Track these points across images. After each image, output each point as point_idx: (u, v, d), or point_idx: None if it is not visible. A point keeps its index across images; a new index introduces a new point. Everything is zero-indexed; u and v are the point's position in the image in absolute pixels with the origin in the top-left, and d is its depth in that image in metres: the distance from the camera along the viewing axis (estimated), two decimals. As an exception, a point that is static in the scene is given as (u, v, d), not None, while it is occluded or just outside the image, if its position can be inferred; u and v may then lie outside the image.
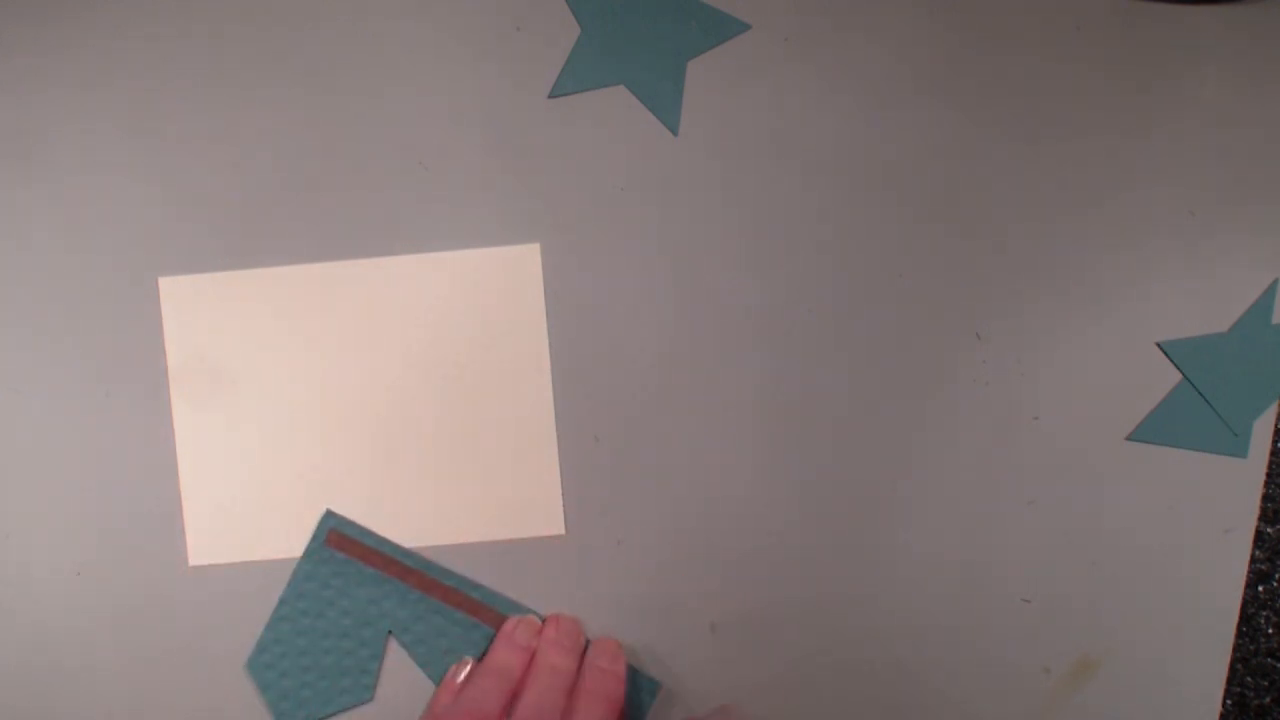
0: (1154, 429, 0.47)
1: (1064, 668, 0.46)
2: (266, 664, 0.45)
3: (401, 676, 0.45)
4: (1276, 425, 0.47)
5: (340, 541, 0.45)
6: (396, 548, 0.46)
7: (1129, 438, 0.47)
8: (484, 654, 0.45)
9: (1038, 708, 0.46)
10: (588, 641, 0.45)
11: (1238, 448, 0.47)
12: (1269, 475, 0.47)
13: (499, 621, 0.45)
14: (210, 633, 0.45)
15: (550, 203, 0.47)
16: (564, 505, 0.46)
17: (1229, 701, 0.47)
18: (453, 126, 0.47)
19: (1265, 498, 0.47)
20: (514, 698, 0.42)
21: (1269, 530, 0.47)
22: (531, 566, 0.46)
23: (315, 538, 0.46)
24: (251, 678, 0.45)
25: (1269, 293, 0.47)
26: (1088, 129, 0.48)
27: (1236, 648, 0.47)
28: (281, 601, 0.45)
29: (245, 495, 0.46)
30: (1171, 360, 0.47)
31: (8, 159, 0.46)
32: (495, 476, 0.46)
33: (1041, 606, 0.46)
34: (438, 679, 0.45)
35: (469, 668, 0.44)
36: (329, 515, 0.46)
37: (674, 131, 0.47)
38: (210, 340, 0.46)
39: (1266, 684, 0.47)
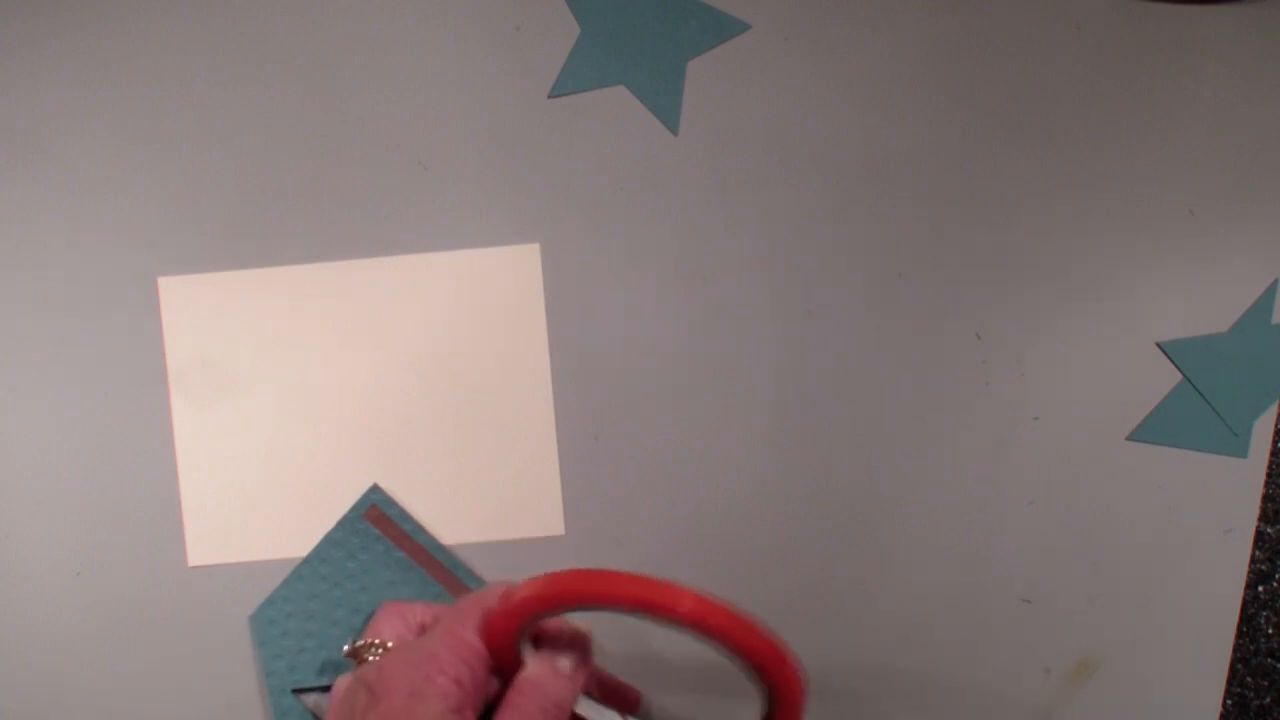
0: (1154, 429, 0.47)
1: (1064, 668, 0.46)
2: (270, 619, 0.44)
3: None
4: (1276, 425, 0.47)
5: (378, 518, 0.45)
6: (433, 541, 0.45)
7: (1129, 438, 0.47)
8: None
9: (1038, 708, 0.46)
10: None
11: (1238, 448, 0.47)
12: (1269, 475, 0.47)
13: None
14: (209, 632, 0.45)
15: (550, 203, 0.47)
16: (564, 505, 0.46)
17: (1229, 701, 0.47)
18: (453, 126, 0.47)
19: (1265, 498, 0.47)
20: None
21: (1269, 530, 0.47)
22: (531, 566, 0.46)
23: (356, 508, 0.45)
24: (251, 630, 0.44)
25: (1269, 293, 0.47)
26: (1088, 128, 0.48)
27: (1236, 648, 0.47)
28: (304, 562, 0.45)
29: (244, 495, 0.46)
30: (1171, 360, 0.47)
31: (8, 159, 0.46)
32: (495, 476, 0.46)
33: (1041, 606, 0.46)
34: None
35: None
36: (375, 489, 0.46)
37: (674, 131, 0.47)
38: (210, 340, 0.46)
39: (1266, 684, 0.47)
